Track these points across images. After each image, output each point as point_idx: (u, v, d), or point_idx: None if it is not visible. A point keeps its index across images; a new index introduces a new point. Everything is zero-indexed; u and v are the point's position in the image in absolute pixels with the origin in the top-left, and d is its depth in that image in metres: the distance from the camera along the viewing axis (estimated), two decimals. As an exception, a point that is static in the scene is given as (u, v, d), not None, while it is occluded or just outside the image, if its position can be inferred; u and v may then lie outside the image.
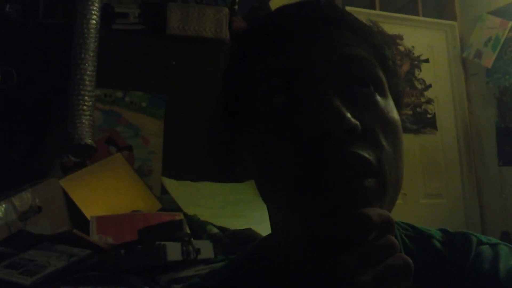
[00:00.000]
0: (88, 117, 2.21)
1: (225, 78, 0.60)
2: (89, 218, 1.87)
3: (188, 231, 1.71)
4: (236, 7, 2.66)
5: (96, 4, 2.30)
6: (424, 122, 3.39)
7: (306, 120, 0.47)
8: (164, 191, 2.27)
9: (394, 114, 0.52)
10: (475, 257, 0.56)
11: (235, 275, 0.61)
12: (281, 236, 0.57)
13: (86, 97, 2.21)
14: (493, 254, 0.56)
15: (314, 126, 0.46)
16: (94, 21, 2.27)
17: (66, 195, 1.97)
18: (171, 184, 2.23)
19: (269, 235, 0.63)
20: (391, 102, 0.53)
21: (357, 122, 0.46)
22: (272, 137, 0.50)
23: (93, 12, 2.28)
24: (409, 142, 3.26)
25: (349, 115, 0.46)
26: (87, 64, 2.23)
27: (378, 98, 0.51)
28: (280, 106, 0.50)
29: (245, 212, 2.01)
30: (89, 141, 2.18)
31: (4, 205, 1.75)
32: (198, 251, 1.45)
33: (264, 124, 0.51)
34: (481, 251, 0.57)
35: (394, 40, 3.41)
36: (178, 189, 2.19)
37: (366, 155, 0.46)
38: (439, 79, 3.50)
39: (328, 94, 0.48)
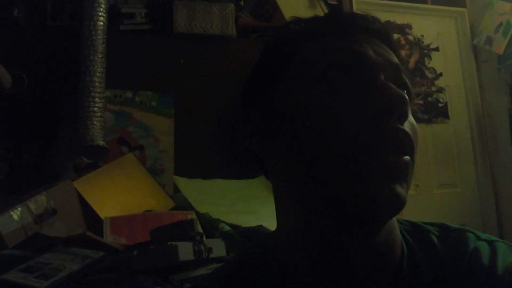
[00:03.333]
0: (99, 118, 2.22)
1: (264, 57, 0.62)
2: (103, 218, 1.89)
3: (200, 229, 1.72)
4: (242, 2, 2.66)
5: (103, 6, 2.31)
6: (435, 111, 3.36)
7: (366, 96, 0.51)
8: (177, 189, 2.29)
9: (415, 122, 0.56)
10: (472, 254, 0.57)
11: (237, 274, 0.62)
12: (292, 227, 0.58)
13: (96, 99, 2.23)
14: (491, 251, 0.57)
15: (379, 100, 0.50)
16: (101, 23, 2.28)
17: (80, 196, 1.99)
18: (182, 183, 2.25)
19: (272, 233, 0.64)
20: None
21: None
22: (322, 110, 0.52)
23: (100, 13, 2.29)
24: (421, 132, 3.22)
25: (408, 99, 0.51)
26: (96, 66, 2.24)
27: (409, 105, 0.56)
28: (333, 83, 0.53)
29: (256, 208, 2.02)
30: (101, 142, 2.20)
31: (19, 209, 1.78)
32: (210, 250, 1.46)
33: (313, 96, 0.53)
34: (479, 248, 0.57)
35: (403, 29, 3.38)
36: (190, 188, 2.20)
37: (413, 138, 0.52)
38: (449, 67, 3.46)
39: (383, 77, 0.54)
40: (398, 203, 0.49)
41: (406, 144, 0.51)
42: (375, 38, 0.58)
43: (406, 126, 0.52)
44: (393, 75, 0.55)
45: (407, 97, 0.51)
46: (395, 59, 0.57)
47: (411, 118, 0.54)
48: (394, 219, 0.57)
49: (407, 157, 0.50)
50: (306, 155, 0.52)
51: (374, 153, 0.49)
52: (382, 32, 0.59)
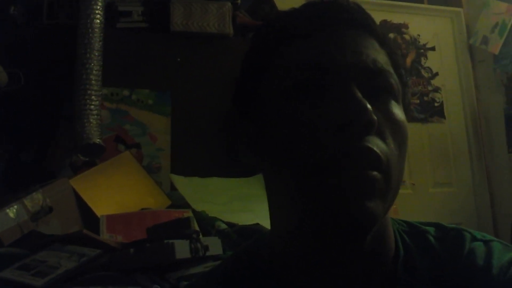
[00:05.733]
0: (95, 116, 2.22)
1: (244, 66, 0.61)
2: (99, 216, 1.89)
3: (197, 228, 1.73)
4: (239, 1, 2.65)
5: (100, 4, 2.31)
6: (431, 111, 3.37)
7: (327, 110, 0.50)
8: (173, 187, 2.29)
9: (404, 119, 0.55)
10: (468, 254, 0.57)
11: (234, 272, 0.63)
12: (283, 230, 0.58)
13: (93, 97, 2.22)
14: (487, 250, 0.57)
15: (338, 115, 0.49)
16: (98, 21, 2.28)
17: (76, 194, 1.99)
18: (179, 181, 2.25)
19: (266, 232, 0.64)
20: (401, 108, 0.56)
21: (375, 118, 0.49)
22: (291, 124, 0.52)
23: (96, 11, 2.28)
24: (417, 132, 3.24)
25: (371, 108, 0.49)
26: (92, 64, 2.24)
27: (392, 102, 0.54)
28: (303, 96, 0.52)
29: (253, 206, 2.02)
30: (98, 140, 2.20)
31: (16, 206, 1.77)
32: (206, 248, 1.46)
33: (283, 112, 0.53)
34: (475, 248, 0.58)
35: (400, 29, 3.38)
36: (187, 186, 2.21)
37: (378, 152, 0.49)
38: (446, 67, 3.47)
39: (351, 88, 0.51)
40: (367, 220, 0.49)
41: (371, 160, 0.49)
42: (356, 29, 0.55)
43: (388, 126, 0.52)
44: (370, 78, 0.53)
45: (369, 107, 0.49)
46: (374, 57, 0.54)
47: (395, 117, 0.53)
48: (386, 221, 0.57)
49: (374, 172, 0.49)
50: (284, 167, 0.53)
51: (337, 170, 0.48)
52: (363, 21, 0.57)
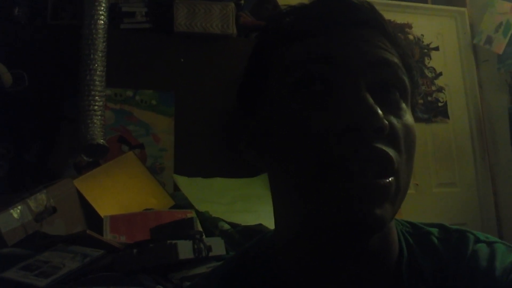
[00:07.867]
0: (99, 117, 2.23)
1: (250, 62, 0.61)
2: (103, 217, 1.89)
3: (200, 228, 1.73)
4: (242, 2, 2.66)
5: (104, 4, 2.31)
6: (435, 111, 3.36)
7: (337, 111, 0.49)
8: (176, 187, 2.29)
9: (413, 123, 0.54)
10: (471, 255, 0.57)
11: (236, 272, 0.63)
12: (287, 229, 0.58)
13: (96, 97, 2.23)
14: (490, 252, 0.57)
15: (346, 118, 0.48)
16: (101, 22, 2.29)
17: (80, 194, 1.99)
18: (182, 181, 2.25)
19: (269, 232, 0.64)
20: (410, 110, 0.55)
21: (387, 122, 0.48)
22: (297, 123, 0.51)
23: (100, 12, 2.29)
24: (421, 132, 3.23)
25: (381, 114, 0.48)
26: (96, 65, 2.25)
27: (403, 104, 0.53)
28: (310, 94, 0.51)
29: (256, 207, 2.03)
30: (101, 140, 2.20)
31: (19, 207, 1.78)
32: (209, 249, 1.47)
33: (289, 109, 0.52)
34: (478, 249, 0.57)
35: (403, 29, 3.38)
36: (190, 186, 2.21)
37: (390, 153, 0.48)
38: (449, 66, 3.46)
39: (362, 89, 0.50)
40: (376, 225, 0.48)
41: (381, 165, 0.48)
42: (367, 28, 0.54)
43: (398, 129, 0.51)
44: (381, 73, 0.52)
45: (379, 112, 0.47)
46: (385, 54, 0.53)
47: (405, 119, 0.52)
48: (391, 222, 0.56)
49: (384, 180, 0.48)
50: (289, 166, 0.52)
51: (345, 173, 0.47)
52: (374, 20, 0.55)
